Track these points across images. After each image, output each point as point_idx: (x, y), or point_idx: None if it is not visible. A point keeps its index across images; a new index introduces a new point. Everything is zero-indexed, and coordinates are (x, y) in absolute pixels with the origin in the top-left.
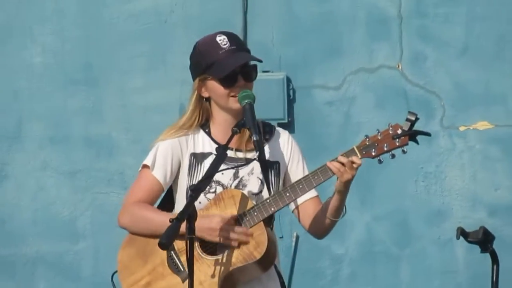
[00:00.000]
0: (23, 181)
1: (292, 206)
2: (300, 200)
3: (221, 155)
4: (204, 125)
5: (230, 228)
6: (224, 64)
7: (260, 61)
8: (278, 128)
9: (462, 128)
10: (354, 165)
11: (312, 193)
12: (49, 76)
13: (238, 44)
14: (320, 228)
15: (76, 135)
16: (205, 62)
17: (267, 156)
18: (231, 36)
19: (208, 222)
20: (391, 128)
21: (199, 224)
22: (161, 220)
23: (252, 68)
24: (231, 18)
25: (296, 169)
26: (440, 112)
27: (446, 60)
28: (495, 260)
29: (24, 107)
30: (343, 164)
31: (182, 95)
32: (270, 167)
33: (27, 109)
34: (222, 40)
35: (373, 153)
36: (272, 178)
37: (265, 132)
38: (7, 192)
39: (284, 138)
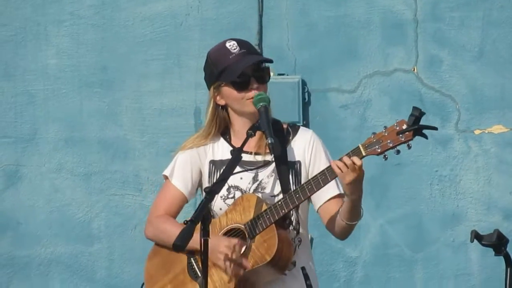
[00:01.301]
0: (38, 183)
1: (316, 206)
2: (322, 200)
3: (235, 158)
4: (225, 133)
5: (233, 257)
6: (234, 68)
7: (271, 61)
8: (302, 128)
9: (477, 132)
10: (356, 166)
11: (334, 191)
12: (64, 78)
13: (248, 48)
14: (338, 230)
15: (91, 137)
16: (216, 69)
17: (288, 156)
18: (241, 41)
19: (216, 244)
20: (396, 124)
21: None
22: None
23: (265, 70)
24: (246, 22)
25: (320, 167)
26: (455, 116)
27: (461, 64)
28: (508, 263)
29: (39, 109)
30: (345, 163)
31: (197, 98)
32: (291, 167)
33: (42, 111)
34: (231, 45)
35: (378, 150)
36: (292, 178)
37: (287, 133)
38: (22, 194)
39: (306, 137)
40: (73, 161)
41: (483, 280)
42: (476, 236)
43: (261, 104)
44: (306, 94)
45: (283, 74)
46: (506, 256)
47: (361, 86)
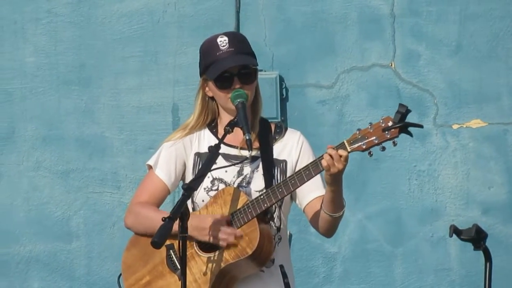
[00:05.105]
0: (17, 181)
1: (302, 205)
2: (309, 198)
3: (212, 155)
4: (211, 124)
5: (220, 228)
6: (218, 66)
7: (256, 64)
8: (290, 129)
9: (455, 126)
10: (342, 158)
11: (321, 192)
12: (42, 76)
13: (238, 46)
14: (323, 224)
15: (69, 135)
16: (204, 62)
17: (275, 154)
18: (233, 38)
19: (199, 222)
20: (382, 121)
21: (191, 222)
22: (159, 218)
23: (251, 70)
24: (224, 18)
25: None
26: (433, 110)
27: (439, 59)
28: (488, 257)
29: (17, 107)
30: (331, 156)
31: (175, 95)
32: (277, 165)
33: (20, 109)
34: (222, 41)
35: (363, 146)
36: (277, 175)
37: (275, 132)
38: (0, 192)
39: (294, 138)
40: (51, 159)
41: (463, 275)
42: (455, 230)
43: (238, 100)
44: (284, 90)
45: (260, 70)
46: (485, 251)
47: (338, 82)
